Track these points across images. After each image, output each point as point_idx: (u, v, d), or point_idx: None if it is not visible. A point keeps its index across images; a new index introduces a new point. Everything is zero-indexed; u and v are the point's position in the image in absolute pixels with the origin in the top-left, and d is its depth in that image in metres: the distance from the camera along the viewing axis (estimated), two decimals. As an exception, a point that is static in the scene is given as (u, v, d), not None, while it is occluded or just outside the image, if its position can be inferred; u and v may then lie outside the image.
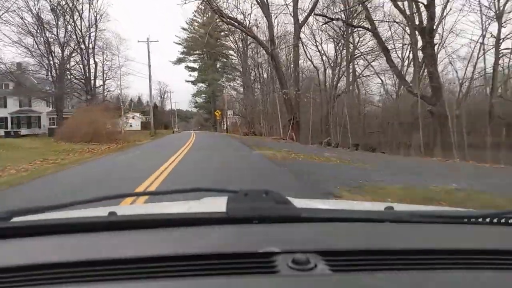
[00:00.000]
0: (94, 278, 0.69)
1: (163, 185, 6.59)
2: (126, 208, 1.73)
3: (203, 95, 71.27)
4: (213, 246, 0.81)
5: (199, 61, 63.54)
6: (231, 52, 48.59)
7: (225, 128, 59.60)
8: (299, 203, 1.08)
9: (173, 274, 0.70)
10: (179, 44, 57.27)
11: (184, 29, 55.79)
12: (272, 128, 37.84)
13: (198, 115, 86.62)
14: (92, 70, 38.28)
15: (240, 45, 42.74)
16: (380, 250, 0.81)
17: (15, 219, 0.96)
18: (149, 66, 37.65)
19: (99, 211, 1.17)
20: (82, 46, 34.82)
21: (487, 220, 1.04)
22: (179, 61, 59.78)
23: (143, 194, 2.35)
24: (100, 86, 37.65)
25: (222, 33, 46.52)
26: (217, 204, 1.17)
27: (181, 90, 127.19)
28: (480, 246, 0.85)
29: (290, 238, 0.87)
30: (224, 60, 59.10)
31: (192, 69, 66.08)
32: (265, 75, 41.14)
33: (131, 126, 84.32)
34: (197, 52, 60.55)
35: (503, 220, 1.03)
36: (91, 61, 37.77)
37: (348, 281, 0.69)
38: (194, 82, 67.99)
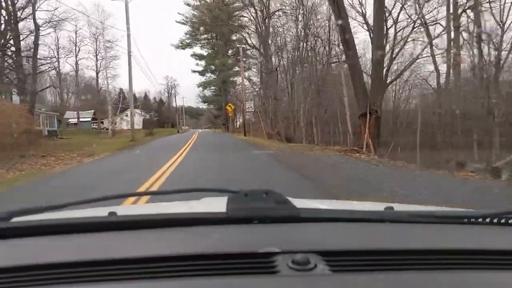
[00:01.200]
0: (94, 278, 0.69)
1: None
2: (126, 208, 1.63)
3: (212, 87, 56.42)
4: (213, 246, 0.80)
5: (207, 46, 51.57)
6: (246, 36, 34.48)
7: (238, 126, 46.37)
8: (299, 203, 1.04)
9: (173, 274, 0.69)
10: (183, 23, 43.11)
11: (188, 4, 41.48)
12: (306, 127, 23.53)
13: (208, 111, 72.55)
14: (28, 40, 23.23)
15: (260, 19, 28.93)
16: (380, 250, 0.80)
17: (15, 219, 0.94)
18: (128, 36, 23.58)
19: (100, 211, 1.13)
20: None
21: (487, 220, 1.02)
22: (183, 45, 45.64)
23: (144, 194, 2.10)
24: (41, 65, 22.76)
25: (236, 4, 32.46)
26: (217, 204, 1.14)
27: (189, 86, 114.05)
28: (480, 246, 0.84)
29: (290, 238, 0.86)
30: (238, 45, 45.94)
31: (200, 57, 54.01)
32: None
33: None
34: (205, 36, 49.18)
35: (503, 220, 1.01)
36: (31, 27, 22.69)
37: (348, 281, 0.69)
38: (202, 73, 55.48)
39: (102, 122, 68.89)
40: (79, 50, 59.72)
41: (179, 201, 1.62)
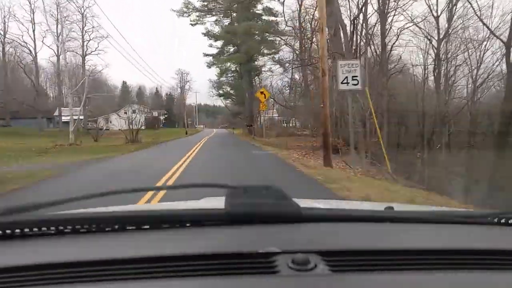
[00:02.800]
0: (94, 278, 0.71)
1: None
2: (126, 208, 1.55)
3: (230, 75, 40.43)
4: (213, 246, 0.82)
5: (223, 19, 39.67)
6: None
7: (267, 126, 31.15)
8: (299, 202, 1.03)
9: (173, 274, 0.72)
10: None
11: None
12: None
13: (226, 108, 56.97)
14: None
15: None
16: (380, 250, 0.82)
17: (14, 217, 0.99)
18: None
19: (99, 211, 1.16)
20: None
21: (487, 220, 1.05)
22: (189, 10, 29.95)
23: (141, 190, 1.52)
24: None
25: None
26: (216, 204, 1.16)
27: (204, 82, 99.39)
28: (480, 246, 0.86)
29: (290, 238, 0.88)
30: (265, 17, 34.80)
31: (214, 37, 40.85)
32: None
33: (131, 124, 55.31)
34: (220, 5, 36.15)
35: (503, 220, 1.03)
36: None
37: (348, 281, 0.71)
38: (217, 56, 42.16)
39: (95, 121, 53.27)
40: (62, 29, 43.43)
41: (179, 201, 1.69)
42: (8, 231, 0.90)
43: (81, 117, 52.95)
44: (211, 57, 42.07)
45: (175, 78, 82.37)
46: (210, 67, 42.84)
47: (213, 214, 0.98)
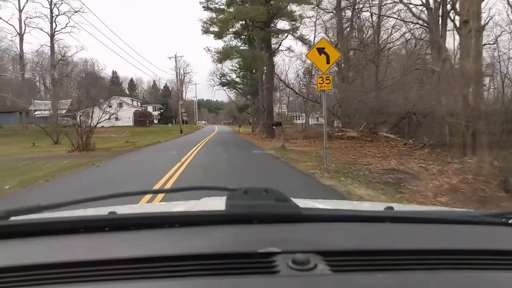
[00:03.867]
0: (94, 278, 0.74)
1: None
2: (126, 208, 1.60)
3: (237, 55, 30.75)
4: (213, 246, 0.84)
5: None
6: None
7: (287, 128, 23.49)
8: (299, 203, 1.06)
9: (173, 274, 0.74)
10: None
11: None
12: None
13: (229, 103, 48.02)
14: None
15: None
16: (380, 250, 0.83)
17: (14, 218, 1.01)
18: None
19: (99, 211, 1.23)
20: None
21: (487, 220, 1.07)
22: None
23: (142, 193, 1.65)
24: None
25: None
26: (217, 203, 1.21)
27: (205, 77, 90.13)
28: (480, 246, 0.88)
29: (290, 238, 0.90)
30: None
31: (218, 12, 31.08)
32: None
33: (117, 119, 46.14)
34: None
35: (503, 220, 1.06)
36: None
37: (348, 281, 0.72)
38: (219, 34, 30.37)
39: (74, 116, 42.77)
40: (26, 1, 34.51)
41: (179, 201, 1.71)
42: (8, 233, 0.93)
43: (48, 112, 44.02)
44: (212, 35, 32.87)
45: (172, 69, 73.35)
46: (205, 34, 30.50)
47: (213, 215, 1.01)
